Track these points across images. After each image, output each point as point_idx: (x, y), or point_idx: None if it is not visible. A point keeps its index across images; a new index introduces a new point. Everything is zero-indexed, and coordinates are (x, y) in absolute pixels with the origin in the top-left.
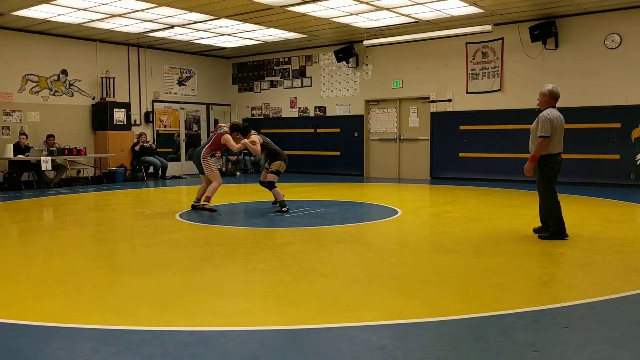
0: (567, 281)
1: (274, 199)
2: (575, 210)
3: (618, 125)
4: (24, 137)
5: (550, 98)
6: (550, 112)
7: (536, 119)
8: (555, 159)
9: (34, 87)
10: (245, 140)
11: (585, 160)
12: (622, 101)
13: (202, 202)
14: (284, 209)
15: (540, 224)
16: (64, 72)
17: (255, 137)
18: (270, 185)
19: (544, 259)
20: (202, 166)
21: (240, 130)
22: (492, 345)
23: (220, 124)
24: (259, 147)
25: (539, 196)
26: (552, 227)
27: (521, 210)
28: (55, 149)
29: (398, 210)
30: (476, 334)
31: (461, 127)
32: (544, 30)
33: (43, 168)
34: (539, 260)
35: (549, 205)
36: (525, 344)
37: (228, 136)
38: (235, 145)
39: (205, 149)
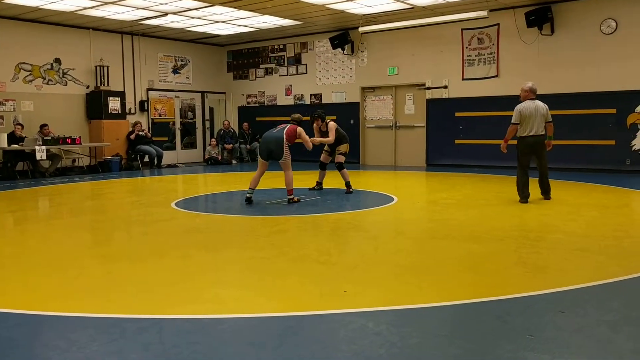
0: (563, 266)
1: (314, 185)
2: (571, 195)
3: (614, 111)
4: (19, 127)
5: (530, 93)
6: (523, 105)
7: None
8: (524, 141)
9: (27, 76)
10: (330, 137)
11: (581, 146)
12: (618, 87)
13: (287, 197)
14: (351, 190)
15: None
16: (58, 60)
17: (332, 123)
18: (340, 167)
19: (539, 245)
20: (283, 151)
21: (320, 117)
22: (487, 331)
23: (280, 125)
24: (334, 135)
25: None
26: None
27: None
28: (50, 138)
29: (394, 197)
30: (472, 319)
31: (457, 114)
32: (540, 16)
33: (38, 158)
34: (535, 246)
35: (517, 175)
36: (520, 328)
37: (301, 128)
38: (306, 138)
39: (285, 136)
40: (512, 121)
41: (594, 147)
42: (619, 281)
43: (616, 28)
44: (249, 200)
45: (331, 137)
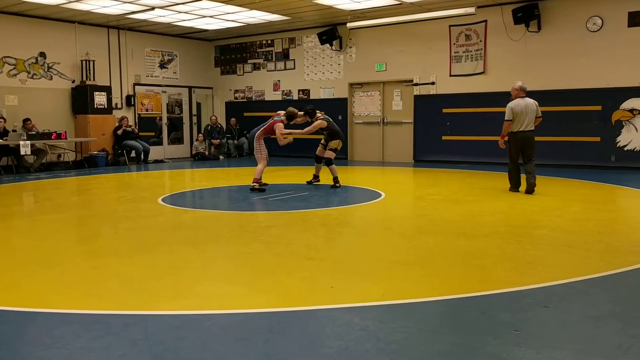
0: (548, 262)
1: (311, 179)
2: (557, 192)
3: (599, 107)
4: (2, 120)
5: (520, 91)
6: (514, 102)
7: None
8: (515, 135)
9: (11, 69)
10: (313, 125)
11: (566, 143)
12: (603, 84)
13: (252, 184)
14: (338, 185)
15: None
16: (42, 54)
17: (320, 121)
18: (328, 162)
19: (525, 241)
20: (255, 147)
21: (308, 113)
22: (473, 326)
23: (279, 112)
24: (313, 129)
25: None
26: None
27: (503, 192)
28: (34, 133)
29: (382, 193)
30: (458, 314)
31: (444, 110)
32: (527, 13)
33: (22, 152)
34: (521, 242)
35: (508, 167)
36: (506, 324)
37: (280, 124)
38: (279, 133)
39: (260, 131)
40: (505, 118)
41: (580, 143)
42: (603, 276)
43: (602, 26)
44: (260, 190)
45: (305, 130)
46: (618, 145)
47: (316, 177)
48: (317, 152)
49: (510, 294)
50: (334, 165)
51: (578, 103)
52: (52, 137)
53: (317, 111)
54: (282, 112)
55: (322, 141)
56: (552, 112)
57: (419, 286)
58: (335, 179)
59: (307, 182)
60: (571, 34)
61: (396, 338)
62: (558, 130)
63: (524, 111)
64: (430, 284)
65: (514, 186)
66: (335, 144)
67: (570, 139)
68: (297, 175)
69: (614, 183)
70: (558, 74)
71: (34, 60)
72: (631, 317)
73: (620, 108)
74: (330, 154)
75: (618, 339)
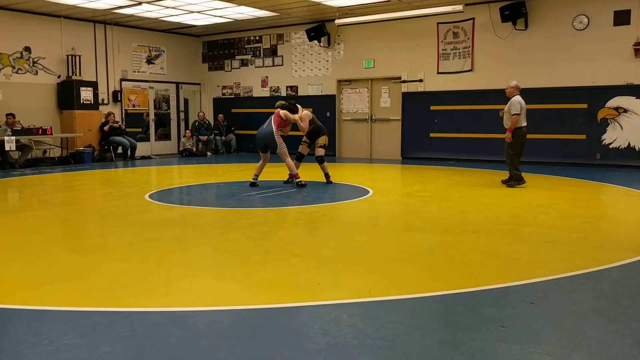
0: (534, 258)
1: (288, 177)
2: (543, 189)
3: (585, 105)
4: None
5: (516, 89)
6: (518, 98)
7: (509, 103)
8: (520, 130)
9: None
10: (297, 117)
11: (552, 140)
12: (589, 82)
13: (296, 181)
14: (330, 181)
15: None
16: (27, 49)
17: (306, 113)
18: (320, 160)
19: (511, 237)
20: (276, 143)
21: (288, 108)
22: (460, 322)
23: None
24: (307, 125)
25: (505, 155)
26: (513, 176)
27: (490, 189)
28: (19, 128)
29: (369, 190)
30: (445, 310)
31: (432, 108)
32: (514, 11)
33: (7, 148)
34: (507, 239)
35: (509, 160)
36: (492, 319)
37: (285, 110)
38: (293, 117)
39: (274, 127)
40: (515, 112)
41: (566, 141)
42: (587, 273)
43: (588, 24)
44: (252, 184)
45: (305, 126)
46: (603, 143)
47: (287, 181)
48: (300, 150)
49: (497, 290)
50: (325, 163)
51: (564, 101)
52: (38, 133)
53: (302, 108)
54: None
55: (304, 139)
56: (539, 110)
57: (407, 282)
58: (327, 176)
59: (284, 181)
60: (558, 32)
61: (384, 334)
62: (544, 127)
63: (524, 108)
64: (417, 280)
65: (521, 178)
66: (323, 140)
67: (556, 136)
68: (286, 172)
69: (600, 180)
70: (544, 71)
71: (18, 55)
72: (615, 313)
73: (605, 106)
74: (320, 152)
75: (602, 334)
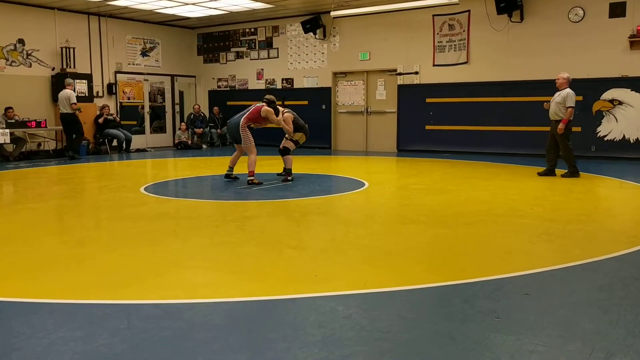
0: (529, 250)
1: (281, 171)
2: (539, 181)
3: (580, 98)
4: None
5: (568, 82)
6: (572, 90)
7: (562, 95)
8: (570, 122)
9: None
10: (280, 118)
11: (547, 133)
12: (584, 74)
13: (248, 179)
14: (290, 178)
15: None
16: (21, 41)
17: (287, 114)
18: (284, 152)
19: (507, 229)
20: (240, 136)
21: (274, 107)
22: (455, 313)
23: (255, 103)
24: (291, 127)
25: (561, 148)
26: (570, 169)
27: (486, 181)
28: (14, 121)
29: (365, 182)
30: (441, 302)
31: (428, 100)
32: (510, 3)
33: (1, 141)
34: (502, 230)
35: (567, 154)
36: (488, 311)
37: (269, 109)
38: (276, 119)
39: (243, 119)
40: (571, 105)
41: None
42: (581, 264)
43: (584, 16)
44: (227, 176)
45: (290, 129)
46: (598, 135)
47: (280, 174)
48: (280, 146)
49: (492, 281)
50: (290, 156)
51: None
52: (32, 125)
53: (282, 108)
54: (249, 108)
55: (287, 135)
56: (535, 102)
57: (402, 274)
58: (288, 171)
59: (277, 174)
60: (553, 24)
61: (379, 326)
62: (539, 120)
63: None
64: (413, 272)
65: (577, 170)
66: (297, 136)
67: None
68: (281, 164)
69: (594, 172)
70: (540, 63)
71: (12, 47)
72: (609, 304)
73: (601, 98)
74: (290, 144)
75: (596, 325)
